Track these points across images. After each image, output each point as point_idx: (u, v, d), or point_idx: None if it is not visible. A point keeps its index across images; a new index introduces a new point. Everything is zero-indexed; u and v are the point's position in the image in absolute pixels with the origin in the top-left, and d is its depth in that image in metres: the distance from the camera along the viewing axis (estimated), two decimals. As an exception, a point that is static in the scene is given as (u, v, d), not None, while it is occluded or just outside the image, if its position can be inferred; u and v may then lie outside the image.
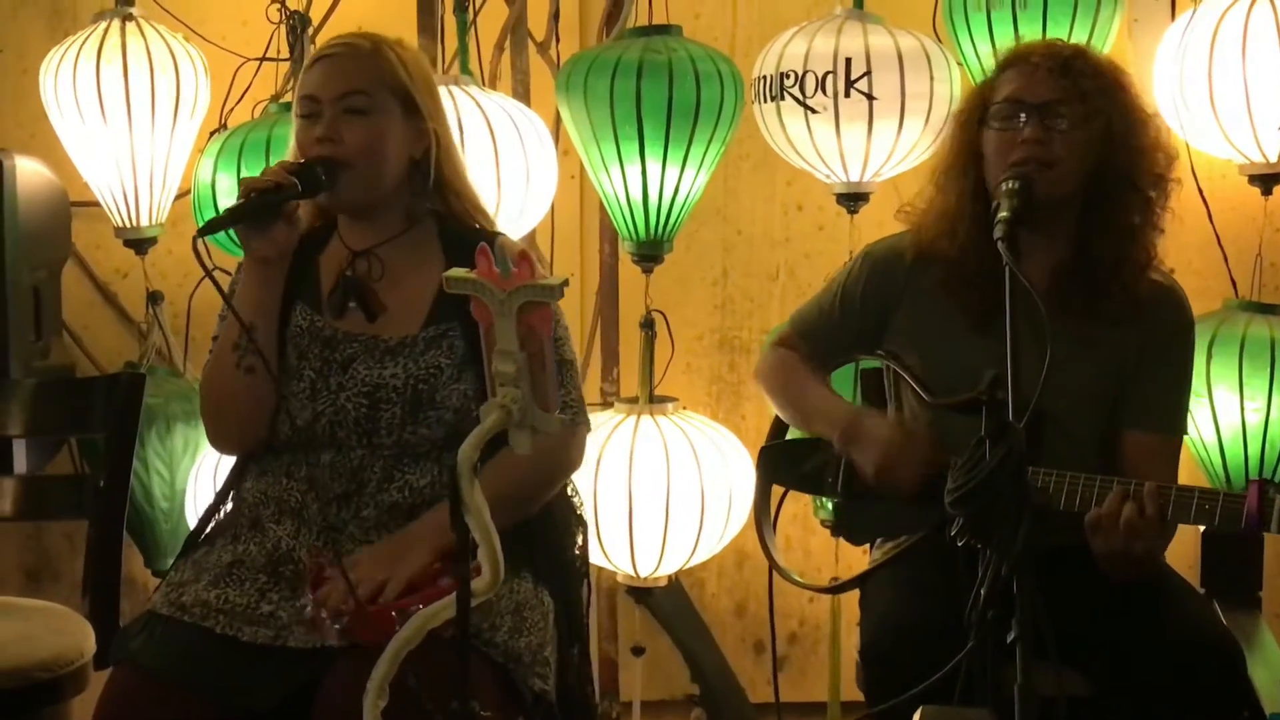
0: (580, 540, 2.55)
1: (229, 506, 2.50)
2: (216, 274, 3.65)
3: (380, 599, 2.18)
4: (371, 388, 2.34)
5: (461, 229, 2.45)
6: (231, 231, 3.28)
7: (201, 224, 2.27)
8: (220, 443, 2.51)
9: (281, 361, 2.39)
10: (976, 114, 2.54)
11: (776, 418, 2.87)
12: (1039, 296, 2.13)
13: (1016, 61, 2.54)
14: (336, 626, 2.15)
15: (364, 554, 2.26)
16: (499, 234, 2.49)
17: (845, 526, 2.75)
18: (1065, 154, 2.47)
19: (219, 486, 3.28)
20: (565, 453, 2.42)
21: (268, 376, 2.34)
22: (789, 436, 2.86)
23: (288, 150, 2.48)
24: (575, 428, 2.42)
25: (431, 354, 2.35)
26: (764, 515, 2.88)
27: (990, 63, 3.14)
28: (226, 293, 2.45)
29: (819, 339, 2.76)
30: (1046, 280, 2.50)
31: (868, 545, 2.82)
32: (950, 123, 2.60)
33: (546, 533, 2.45)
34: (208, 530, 2.49)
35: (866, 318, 2.69)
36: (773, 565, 2.84)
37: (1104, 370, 2.55)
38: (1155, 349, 2.56)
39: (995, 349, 2.10)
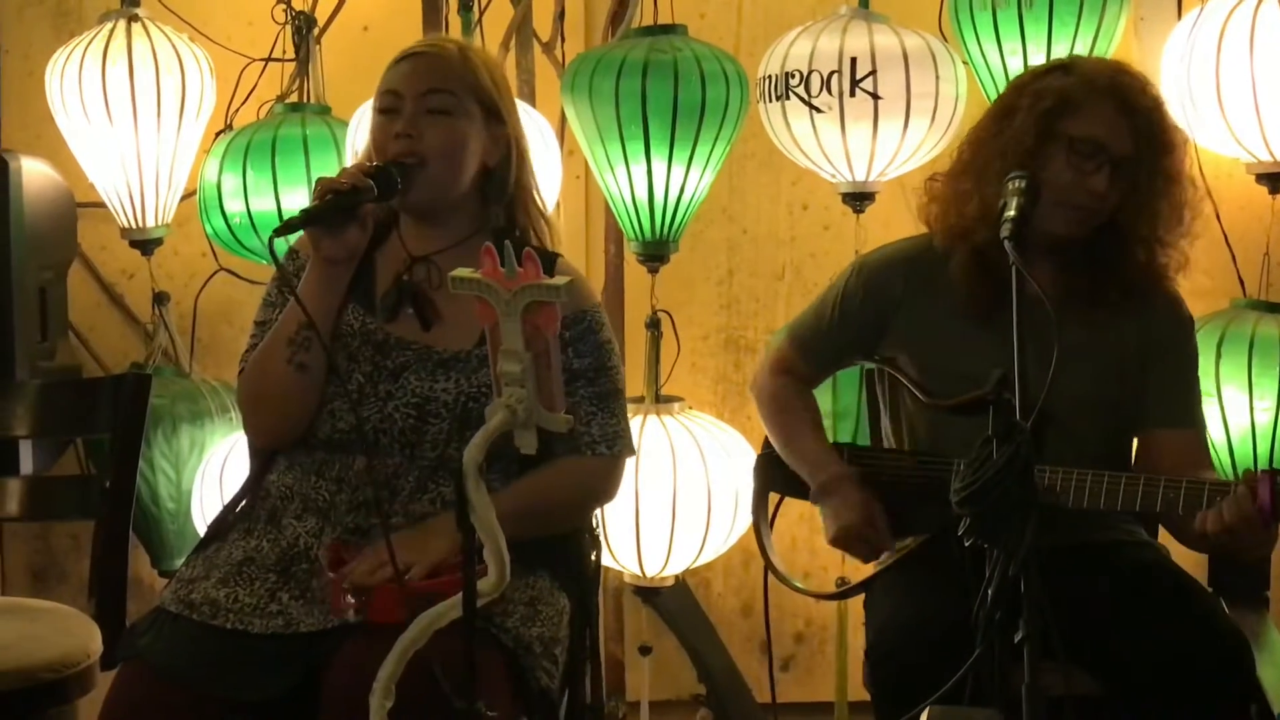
0: (593, 557, 2.55)
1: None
2: (222, 275, 3.69)
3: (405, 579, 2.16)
4: (422, 400, 2.32)
5: (521, 243, 2.42)
6: (239, 234, 3.33)
7: (278, 223, 2.22)
8: (257, 434, 2.48)
9: (329, 360, 2.37)
10: (1053, 120, 2.49)
11: None
12: (1045, 296, 2.13)
13: (1113, 95, 2.49)
14: (353, 601, 2.13)
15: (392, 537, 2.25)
16: (558, 254, 2.48)
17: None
18: (1111, 205, 2.50)
19: (226, 486, 3.32)
20: (603, 479, 2.43)
21: (319, 376, 2.33)
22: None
23: (364, 151, 2.45)
24: (617, 456, 2.43)
25: (484, 371, 2.31)
26: (762, 522, 2.89)
27: (996, 61, 3.17)
28: (268, 292, 2.46)
29: (816, 350, 2.77)
30: (1051, 278, 2.50)
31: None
32: (1022, 114, 2.52)
33: (566, 541, 2.45)
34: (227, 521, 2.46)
35: (863, 327, 2.70)
36: (772, 571, 2.84)
37: (1105, 372, 2.56)
38: (1158, 347, 2.59)
39: (993, 348, 2.10)
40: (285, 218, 2.25)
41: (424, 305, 2.38)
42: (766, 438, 2.89)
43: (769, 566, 2.85)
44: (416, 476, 2.32)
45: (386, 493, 2.30)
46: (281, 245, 2.30)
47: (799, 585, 2.89)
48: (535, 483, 2.33)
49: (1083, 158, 2.47)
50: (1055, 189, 2.46)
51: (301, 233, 2.30)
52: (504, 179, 2.43)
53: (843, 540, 2.57)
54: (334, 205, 2.25)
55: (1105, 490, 2.35)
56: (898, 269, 2.67)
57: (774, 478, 2.85)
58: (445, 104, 2.36)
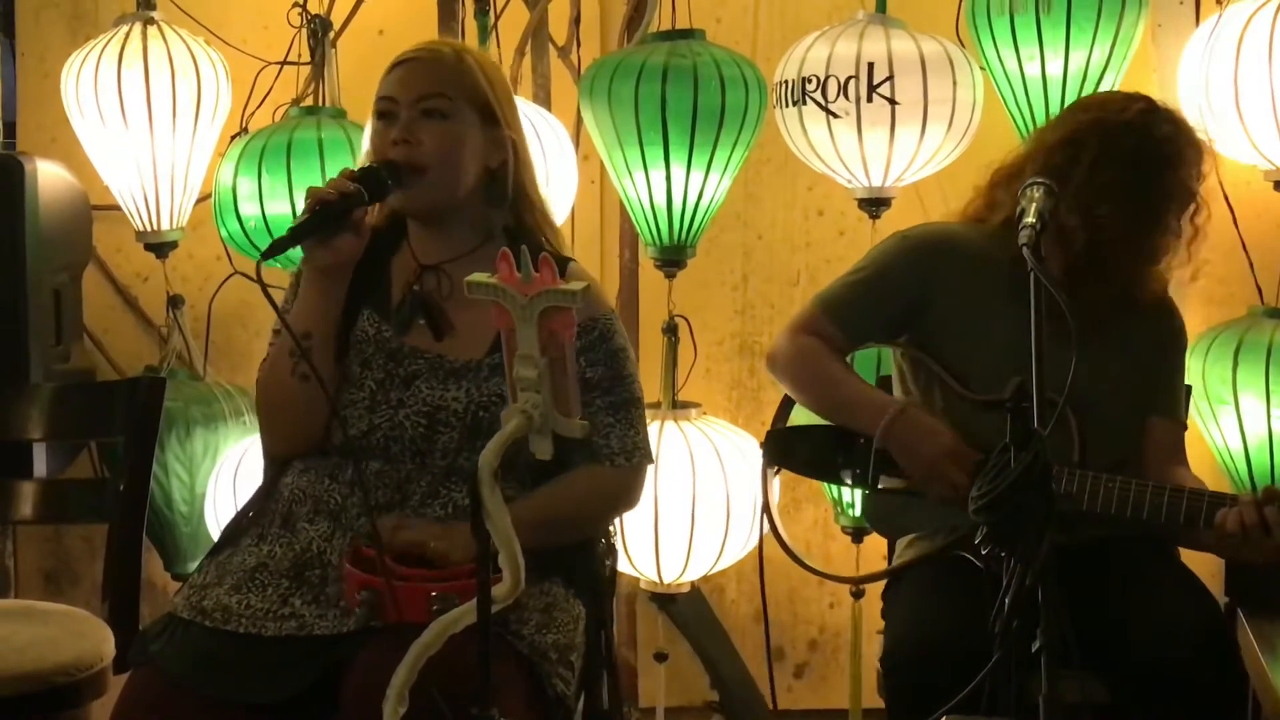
0: (609, 565, 2.54)
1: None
2: (236, 279, 3.68)
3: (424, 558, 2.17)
4: (432, 408, 2.32)
5: (532, 247, 2.41)
6: (254, 237, 3.33)
7: (266, 245, 2.20)
8: (275, 443, 2.46)
9: (343, 366, 2.37)
10: (1165, 170, 2.59)
11: (782, 403, 2.85)
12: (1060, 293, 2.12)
13: (1185, 143, 2.60)
14: (367, 600, 2.13)
15: (414, 522, 2.27)
16: (570, 259, 2.47)
17: (877, 519, 2.75)
18: None
19: (239, 490, 3.32)
20: (624, 490, 2.43)
21: (327, 385, 2.32)
22: (790, 422, 2.86)
23: (362, 154, 2.45)
24: (637, 468, 2.42)
25: (495, 381, 2.31)
26: (770, 500, 2.88)
27: (1013, 67, 3.16)
28: (285, 299, 2.45)
29: (850, 318, 2.71)
30: (1060, 277, 2.54)
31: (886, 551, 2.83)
32: (1103, 157, 2.58)
33: (582, 548, 2.44)
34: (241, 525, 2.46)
35: (902, 300, 2.69)
36: (786, 552, 2.84)
37: (1127, 363, 2.62)
38: (1164, 338, 2.71)
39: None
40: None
41: (436, 315, 2.38)
42: (777, 413, 2.87)
43: (781, 545, 2.84)
44: (428, 482, 2.31)
45: (399, 496, 2.30)
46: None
47: (811, 565, 2.88)
48: (554, 493, 2.32)
49: (1185, 203, 2.59)
50: (1167, 235, 2.63)
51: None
52: (504, 182, 2.42)
53: (937, 472, 2.54)
54: (321, 218, 2.24)
55: (1132, 499, 2.37)
56: (940, 249, 2.69)
57: (784, 456, 2.83)
58: (441, 107, 2.35)
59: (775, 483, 2.93)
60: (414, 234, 2.44)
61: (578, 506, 2.37)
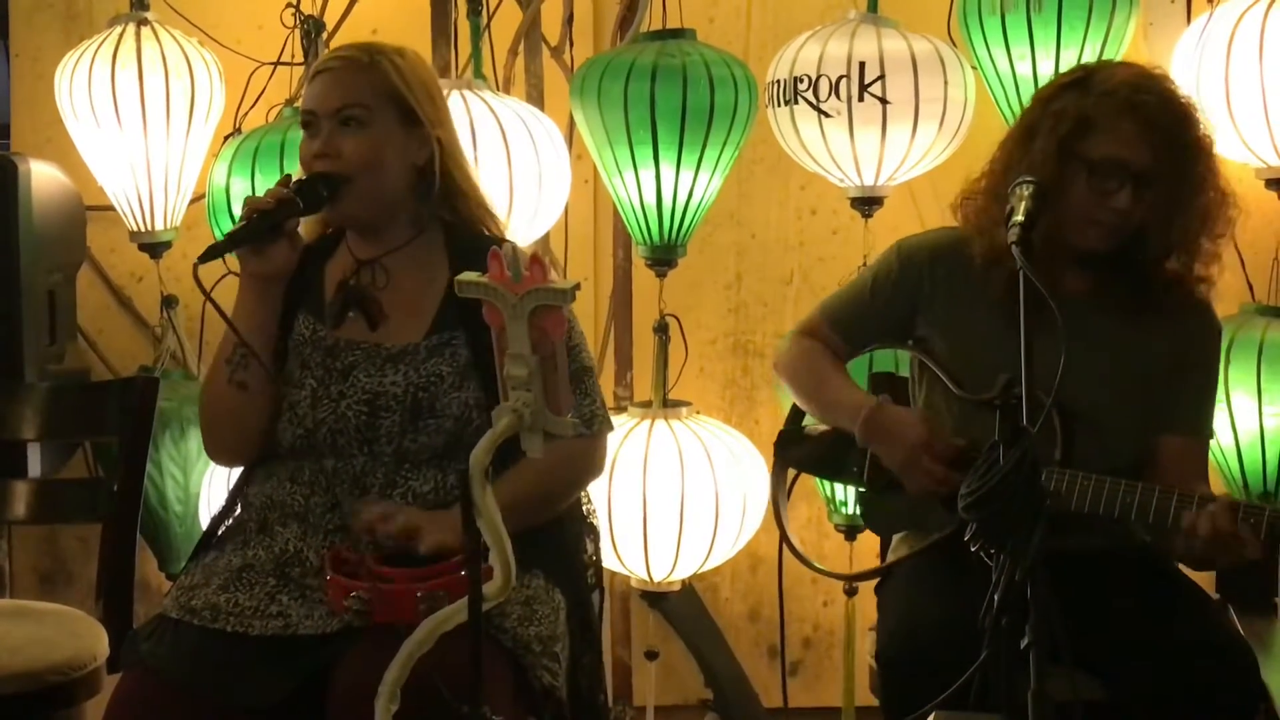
0: (591, 548, 2.55)
1: (238, 511, 2.50)
2: (230, 279, 3.69)
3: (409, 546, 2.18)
4: (371, 395, 2.34)
5: (470, 236, 2.45)
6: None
7: (204, 249, 2.28)
8: (216, 454, 2.53)
9: (284, 371, 2.40)
10: (1072, 143, 2.49)
11: (795, 404, 2.87)
12: (1080, 299, 2.12)
13: (1131, 111, 2.48)
14: (355, 607, 2.14)
15: (398, 506, 2.28)
16: (507, 240, 2.48)
17: (871, 517, 2.76)
18: (1137, 218, 2.50)
19: (230, 490, 3.32)
20: (588, 459, 2.44)
21: (260, 392, 2.36)
22: (806, 423, 2.87)
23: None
24: (598, 435, 2.44)
25: (433, 362, 2.35)
26: (781, 500, 2.89)
27: (1004, 66, 3.17)
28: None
29: (849, 324, 2.75)
30: (1083, 282, 2.55)
31: (879, 548, 2.83)
32: (1042, 137, 2.51)
33: (557, 536, 2.45)
34: (218, 534, 2.48)
35: (896, 309, 2.70)
36: (790, 550, 2.84)
37: (1133, 373, 2.57)
38: (1187, 356, 2.60)
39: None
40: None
41: (369, 306, 2.40)
42: (789, 415, 2.88)
43: (786, 543, 2.85)
44: (384, 472, 2.33)
45: (358, 490, 2.32)
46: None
47: (818, 565, 2.88)
48: (522, 472, 2.31)
49: (1104, 178, 2.47)
50: (1081, 208, 2.48)
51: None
52: (431, 177, 2.43)
53: (912, 462, 2.53)
54: (257, 226, 2.29)
55: (1105, 496, 2.36)
56: (929, 258, 2.68)
57: (793, 455, 2.85)
58: (358, 116, 2.36)
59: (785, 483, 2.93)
60: (351, 236, 2.47)
61: (547, 484, 2.37)
